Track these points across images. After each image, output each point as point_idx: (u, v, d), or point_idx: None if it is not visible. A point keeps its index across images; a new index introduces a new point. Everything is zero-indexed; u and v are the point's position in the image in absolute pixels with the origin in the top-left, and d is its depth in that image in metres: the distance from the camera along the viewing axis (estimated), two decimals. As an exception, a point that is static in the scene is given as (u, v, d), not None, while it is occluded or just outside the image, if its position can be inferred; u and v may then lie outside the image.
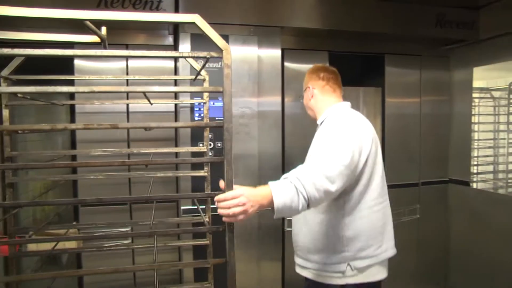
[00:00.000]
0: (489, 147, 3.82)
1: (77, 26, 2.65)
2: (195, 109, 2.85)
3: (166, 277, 3.07)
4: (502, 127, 3.70)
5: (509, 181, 3.58)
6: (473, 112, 3.72)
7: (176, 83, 2.93)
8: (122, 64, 2.99)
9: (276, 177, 1.72)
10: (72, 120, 2.99)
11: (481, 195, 3.68)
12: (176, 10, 2.81)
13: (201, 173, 2.39)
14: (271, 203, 1.54)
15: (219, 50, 1.31)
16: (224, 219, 1.39)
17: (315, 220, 2.02)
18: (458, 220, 3.82)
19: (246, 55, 2.93)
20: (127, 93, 2.72)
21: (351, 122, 2.00)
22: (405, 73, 3.73)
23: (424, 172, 3.79)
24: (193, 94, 2.75)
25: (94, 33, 1.45)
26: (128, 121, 2.99)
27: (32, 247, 2.28)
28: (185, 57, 2.03)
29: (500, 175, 3.77)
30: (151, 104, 2.18)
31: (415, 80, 3.76)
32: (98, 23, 1.38)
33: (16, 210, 1.90)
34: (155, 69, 3.03)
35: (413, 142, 3.76)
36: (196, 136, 2.83)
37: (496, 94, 3.79)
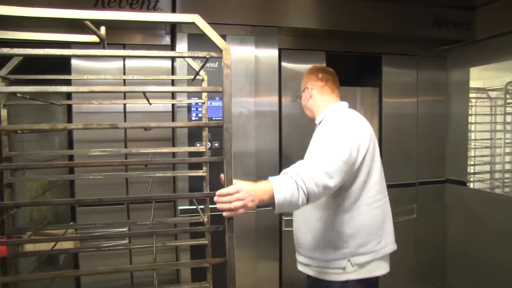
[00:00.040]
0: (486, 147, 3.83)
1: (75, 26, 2.65)
2: (192, 109, 2.85)
3: (163, 277, 3.06)
4: (498, 127, 3.72)
5: (506, 181, 3.60)
6: (470, 112, 3.74)
7: (173, 83, 2.93)
8: (119, 64, 2.98)
9: (274, 177, 1.72)
10: (69, 120, 2.98)
11: (478, 195, 3.68)
12: (173, 10, 2.81)
13: (200, 173, 2.40)
14: (271, 198, 1.58)
15: (218, 50, 1.31)
16: (224, 214, 1.41)
17: (315, 217, 2.05)
18: (455, 220, 3.83)
19: (243, 55, 2.93)
20: (124, 93, 2.72)
21: (349, 120, 2.03)
22: (402, 73, 3.73)
23: (421, 172, 3.80)
24: (190, 94, 2.75)
25: (94, 33, 1.45)
26: (125, 121, 2.99)
27: (29, 247, 2.28)
28: (185, 57, 2.03)
29: (497, 175, 3.78)
30: (150, 104, 2.19)
31: (412, 80, 3.77)
32: (97, 23, 1.38)
33: (15, 211, 1.90)
34: (152, 69, 3.03)
35: (410, 142, 3.77)
36: (193, 136, 2.83)
37: (493, 94, 3.80)
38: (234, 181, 1.42)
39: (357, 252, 1.97)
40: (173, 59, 3.02)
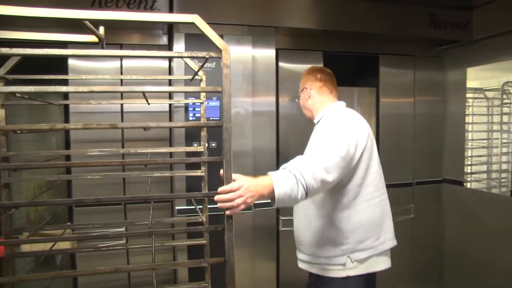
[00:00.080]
0: (483, 147, 3.84)
1: (72, 26, 2.65)
2: (190, 109, 2.84)
3: (161, 277, 3.06)
4: (495, 127, 3.73)
5: (503, 180, 3.61)
6: (467, 112, 3.74)
7: (170, 83, 2.93)
8: (116, 63, 2.98)
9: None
10: (66, 120, 2.98)
11: (474, 195, 3.69)
12: (171, 10, 2.80)
13: (198, 173, 2.40)
14: (271, 193, 1.60)
15: (217, 50, 1.31)
16: (228, 212, 1.42)
17: (314, 215, 2.08)
18: (452, 220, 3.84)
19: (241, 55, 2.93)
20: (122, 93, 2.72)
21: (347, 118, 2.08)
22: (400, 74, 3.74)
23: (418, 172, 3.81)
24: (187, 94, 2.75)
25: (93, 33, 1.45)
26: (122, 121, 2.98)
27: (25, 248, 2.27)
28: (184, 57, 2.03)
29: (494, 175, 3.80)
30: (148, 104, 2.19)
31: (409, 81, 3.77)
32: (95, 23, 1.38)
33: (13, 211, 1.89)
34: (149, 68, 3.03)
35: (407, 142, 3.77)
36: (190, 136, 2.83)
37: (490, 94, 3.82)
38: (233, 175, 1.45)
39: (357, 248, 1.99)
40: (170, 59, 3.02)
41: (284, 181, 1.63)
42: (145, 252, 2.76)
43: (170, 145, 3.00)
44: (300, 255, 2.21)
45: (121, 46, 2.97)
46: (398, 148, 3.71)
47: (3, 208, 1.85)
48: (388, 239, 2.09)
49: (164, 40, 3.10)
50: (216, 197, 1.42)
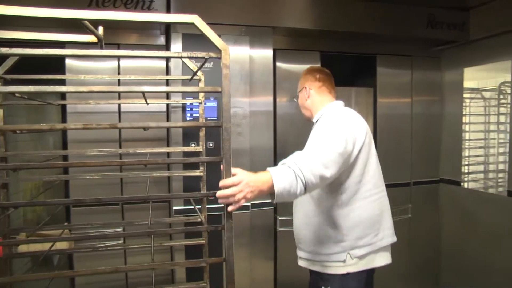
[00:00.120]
0: (480, 147, 3.85)
1: (69, 25, 2.64)
2: (187, 109, 2.84)
3: (158, 278, 3.05)
4: (492, 127, 3.73)
5: (499, 180, 3.61)
6: (464, 112, 3.75)
7: (167, 83, 2.93)
8: (113, 63, 2.98)
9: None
10: (63, 120, 2.97)
11: (472, 195, 3.70)
12: (168, 10, 2.80)
13: (197, 172, 2.41)
14: (271, 188, 1.62)
15: (216, 50, 1.31)
16: (230, 208, 1.43)
17: (314, 212, 2.10)
18: (449, 220, 3.84)
19: (238, 55, 2.93)
20: (119, 93, 2.72)
21: (345, 116, 2.11)
22: (397, 74, 3.74)
23: (415, 172, 3.82)
24: (185, 94, 2.75)
25: (92, 33, 1.45)
26: (119, 121, 2.98)
27: (22, 248, 2.27)
28: (183, 58, 2.04)
29: (491, 175, 3.80)
30: (147, 104, 2.19)
31: (407, 81, 3.78)
32: (94, 23, 1.38)
33: (12, 211, 1.89)
34: (146, 68, 3.02)
35: (405, 142, 3.78)
36: (188, 136, 2.83)
37: (487, 94, 3.82)
38: (233, 170, 1.46)
39: (356, 245, 2.02)
40: (167, 59, 3.02)
41: (283, 176, 1.64)
42: (142, 252, 2.77)
43: (168, 145, 3.00)
44: (300, 253, 2.23)
45: (118, 46, 2.97)
46: (396, 148, 3.72)
47: (2, 208, 1.84)
48: (387, 236, 2.11)
49: (162, 40, 3.10)
50: (218, 193, 1.43)
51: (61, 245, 2.51)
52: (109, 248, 2.46)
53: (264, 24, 2.99)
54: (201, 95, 2.46)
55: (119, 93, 2.72)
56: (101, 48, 1.56)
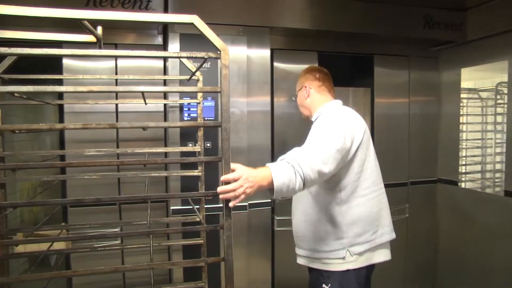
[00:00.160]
0: (477, 147, 3.85)
1: (68, 25, 2.63)
2: (185, 109, 2.84)
3: (156, 278, 3.02)
4: (489, 127, 3.74)
5: (497, 180, 3.62)
6: (461, 113, 3.76)
7: (165, 83, 2.92)
8: (111, 63, 2.97)
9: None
10: (61, 120, 2.97)
11: (469, 195, 3.71)
12: (165, 10, 2.80)
13: (195, 172, 2.41)
14: (270, 184, 1.65)
15: (214, 50, 1.31)
16: (231, 203, 1.47)
17: (313, 210, 2.12)
18: (447, 219, 3.85)
19: (236, 55, 2.92)
20: (116, 93, 2.72)
21: (344, 114, 2.13)
22: (394, 74, 3.75)
23: (413, 171, 3.82)
24: (182, 94, 2.75)
25: (91, 32, 1.45)
26: (117, 121, 2.97)
27: (19, 248, 2.26)
28: (182, 58, 2.04)
29: (488, 175, 3.81)
30: (146, 104, 2.20)
31: (404, 81, 3.78)
32: (92, 23, 1.37)
33: (10, 211, 1.89)
34: (144, 68, 3.02)
35: (402, 142, 3.78)
36: (185, 136, 2.82)
37: (484, 94, 3.83)
38: (233, 165, 1.50)
39: (355, 242, 2.04)
40: (165, 59, 3.02)
41: (282, 172, 1.67)
42: (139, 252, 2.77)
43: (165, 145, 2.99)
44: (299, 251, 2.25)
45: (115, 46, 2.96)
46: (393, 148, 3.72)
47: (0, 208, 1.84)
48: (386, 232, 2.14)
49: (159, 40, 3.09)
50: (219, 189, 1.46)
51: (59, 245, 2.51)
52: (107, 248, 2.46)
53: (262, 24, 2.99)
54: (200, 95, 2.47)
55: (116, 93, 2.72)
56: (100, 48, 1.57)
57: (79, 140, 2.86)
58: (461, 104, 3.76)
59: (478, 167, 3.88)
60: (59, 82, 2.70)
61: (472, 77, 3.82)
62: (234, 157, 2.88)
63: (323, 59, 3.37)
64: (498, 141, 3.58)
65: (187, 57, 1.59)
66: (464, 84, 3.76)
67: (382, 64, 3.68)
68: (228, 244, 1.41)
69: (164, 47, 3.03)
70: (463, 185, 3.79)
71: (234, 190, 1.48)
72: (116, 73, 2.95)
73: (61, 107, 2.90)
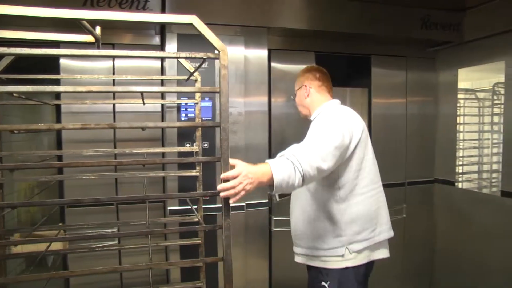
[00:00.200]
0: (474, 147, 3.86)
1: (66, 25, 2.63)
2: (182, 109, 2.84)
3: (153, 278, 3.03)
4: (486, 127, 3.75)
5: (493, 180, 3.63)
6: (458, 113, 3.77)
7: (162, 83, 2.92)
8: (108, 63, 2.97)
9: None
10: (58, 120, 2.96)
11: (466, 195, 3.72)
12: (163, 10, 2.80)
13: (193, 172, 2.41)
14: (270, 180, 1.67)
15: (212, 50, 1.31)
16: (232, 200, 1.49)
17: (312, 208, 2.14)
18: (444, 220, 3.86)
19: (233, 56, 2.92)
20: (114, 93, 2.71)
21: (343, 113, 2.16)
22: (391, 74, 3.76)
23: (410, 172, 3.83)
24: (179, 94, 2.74)
25: (90, 32, 1.45)
26: (114, 121, 2.97)
27: (17, 249, 2.26)
28: (181, 58, 2.04)
29: (485, 175, 3.82)
30: (144, 104, 2.20)
31: (401, 81, 3.79)
32: (91, 23, 1.37)
33: (8, 211, 1.88)
34: (141, 68, 3.01)
35: (399, 142, 3.79)
36: (183, 136, 2.82)
37: (481, 95, 3.84)
38: (233, 161, 1.51)
39: (354, 239, 2.06)
40: (162, 59, 3.02)
41: (282, 168, 1.69)
42: (136, 253, 2.77)
43: (162, 145, 2.99)
44: (297, 250, 2.26)
45: (113, 46, 2.96)
46: (390, 149, 3.73)
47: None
48: (384, 230, 2.16)
49: (157, 40, 3.09)
50: (219, 186, 1.47)
51: (56, 246, 2.50)
52: (105, 248, 2.46)
53: (259, 24, 2.99)
54: (197, 95, 2.47)
55: (114, 93, 2.72)
56: (98, 48, 1.56)
57: (77, 140, 2.85)
58: (458, 105, 3.77)
59: (475, 168, 3.89)
60: (57, 82, 2.69)
61: (469, 78, 3.83)
62: (231, 157, 2.89)
63: (320, 59, 3.38)
64: (495, 141, 3.59)
65: (186, 58, 1.59)
66: (461, 85, 3.77)
67: (379, 65, 3.69)
68: (227, 243, 1.41)
69: (162, 47, 3.03)
70: (460, 185, 3.80)
71: (234, 187, 1.49)
72: (114, 73, 2.95)
73: (58, 107, 2.89)
